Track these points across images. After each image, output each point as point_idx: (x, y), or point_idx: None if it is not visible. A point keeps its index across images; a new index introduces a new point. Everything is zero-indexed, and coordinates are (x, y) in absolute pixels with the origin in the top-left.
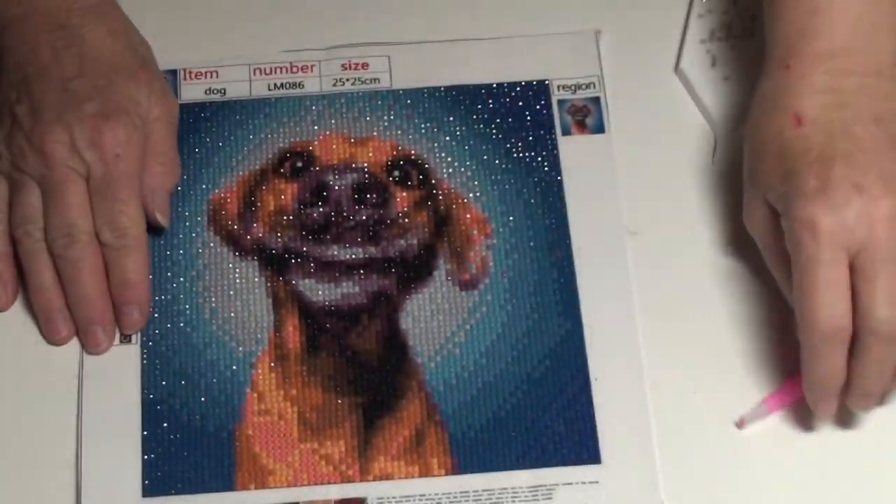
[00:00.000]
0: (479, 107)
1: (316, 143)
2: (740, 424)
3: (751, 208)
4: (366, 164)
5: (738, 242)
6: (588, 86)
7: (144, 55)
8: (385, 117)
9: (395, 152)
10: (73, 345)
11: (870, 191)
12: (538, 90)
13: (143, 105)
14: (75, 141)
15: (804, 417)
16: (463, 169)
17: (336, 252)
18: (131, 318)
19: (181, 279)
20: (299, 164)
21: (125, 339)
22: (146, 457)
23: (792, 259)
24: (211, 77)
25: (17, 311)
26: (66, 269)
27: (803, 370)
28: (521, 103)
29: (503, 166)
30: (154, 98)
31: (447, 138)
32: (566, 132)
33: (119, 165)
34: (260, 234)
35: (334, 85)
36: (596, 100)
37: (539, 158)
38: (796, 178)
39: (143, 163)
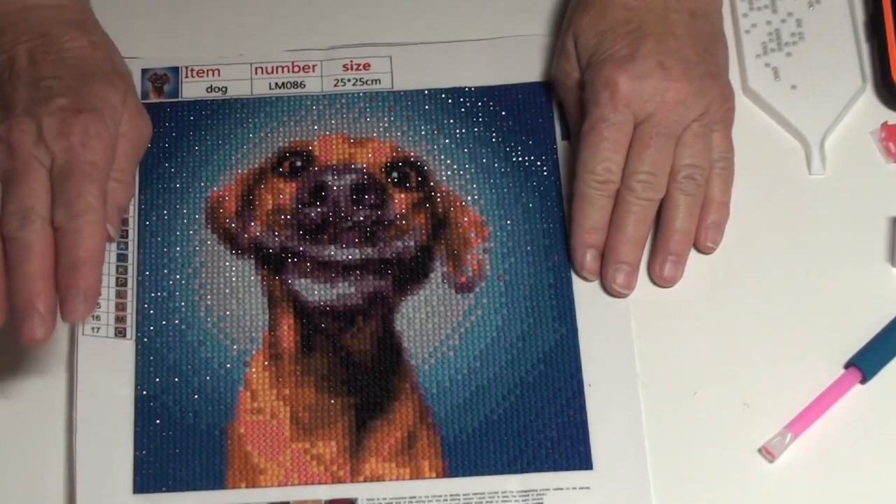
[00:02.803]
0: (480, 109)
1: (315, 142)
2: (770, 458)
3: (562, 56)
4: (365, 165)
5: (735, 248)
6: None
7: (124, 72)
8: (385, 118)
9: (394, 154)
10: (68, 340)
11: (670, 71)
12: (539, 93)
13: (118, 109)
14: (42, 132)
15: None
16: (462, 172)
17: (333, 252)
18: (74, 305)
19: (177, 276)
20: (298, 164)
21: (120, 334)
22: (138, 453)
23: (586, 110)
24: (212, 75)
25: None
26: (15, 251)
27: (574, 219)
28: (521, 106)
29: (502, 170)
30: (127, 112)
31: (447, 141)
32: (566, 136)
33: (86, 154)
34: (257, 233)
35: (335, 85)
36: None
37: (538, 163)
38: (611, 41)
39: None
